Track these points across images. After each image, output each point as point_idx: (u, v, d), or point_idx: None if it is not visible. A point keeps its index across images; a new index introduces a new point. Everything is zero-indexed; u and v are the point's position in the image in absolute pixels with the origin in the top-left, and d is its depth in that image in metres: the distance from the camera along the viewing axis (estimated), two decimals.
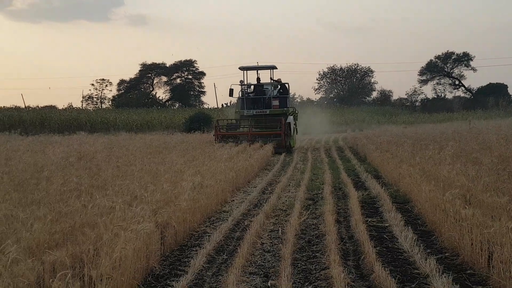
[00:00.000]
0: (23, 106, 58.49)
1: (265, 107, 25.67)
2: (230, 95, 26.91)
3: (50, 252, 5.19)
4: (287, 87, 26.60)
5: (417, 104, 78.28)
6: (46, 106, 63.93)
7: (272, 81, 26.47)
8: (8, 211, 7.07)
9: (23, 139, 31.07)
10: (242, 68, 26.84)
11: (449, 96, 78.06)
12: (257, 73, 27.48)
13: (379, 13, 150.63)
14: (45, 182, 10.43)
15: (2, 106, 57.72)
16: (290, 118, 25.41)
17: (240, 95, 26.76)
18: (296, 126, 27.62)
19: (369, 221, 8.89)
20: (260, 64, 27.18)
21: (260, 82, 26.95)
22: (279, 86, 26.53)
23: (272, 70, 26.85)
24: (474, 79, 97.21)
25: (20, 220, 6.50)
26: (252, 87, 26.99)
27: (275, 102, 25.53)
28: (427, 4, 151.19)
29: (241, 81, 26.48)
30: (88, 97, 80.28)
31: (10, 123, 43.94)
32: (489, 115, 49.76)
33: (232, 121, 27.56)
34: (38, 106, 60.81)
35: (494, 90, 71.27)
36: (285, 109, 25.70)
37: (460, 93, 78.38)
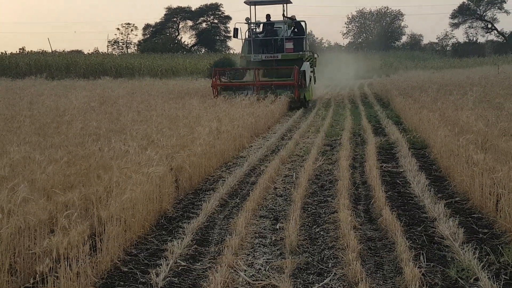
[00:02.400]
0: (50, 51, 58.94)
1: (276, 51, 21.16)
2: (234, 36, 22.39)
3: (61, 194, 5.33)
4: (304, 26, 21.92)
5: (447, 49, 76.78)
6: (72, 51, 64.34)
7: (284, 18, 21.75)
8: (26, 153, 7.24)
9: (49, 83, 31.51)
10: (249, 2, 21.52)
11: (481, 40, 76.34)
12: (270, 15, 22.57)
13: None
14: (65, 126, 10.65)
15: (29, 50, 58.28)
16: (306, 65, 20.71)
17: (247, 36, 22.19)
18: (314, 74, 23.38)
19: (384, 167, 8.93)
20: None
21: (271, 20, 22.28)
22: (293, 26, 21.93)
23: (285, 4, 21.96)
24: (507, 23, 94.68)
25: (36, 162, 6.68)
26: (261, 26, 22.42)
27: (289, 45, 21.04)
28: None
29: (248, 19, 21.55)
30: (114, 42, 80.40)
31: (37, 67, 44.38)
32: None
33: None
34: (64, 51, 61.29)
35: None
36: (301, 53, 21.18)
37: (492, 37, 76.51)
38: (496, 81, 19.48)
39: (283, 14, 21.78)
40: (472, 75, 26.44)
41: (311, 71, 22.33)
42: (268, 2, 22.80)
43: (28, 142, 8.47)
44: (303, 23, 21.97)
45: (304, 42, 21.68)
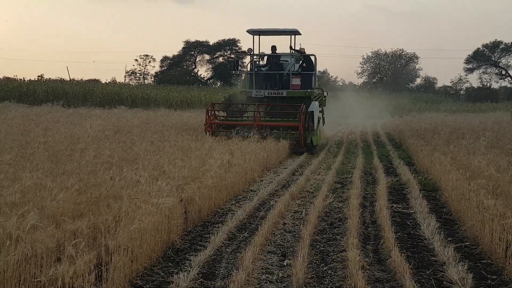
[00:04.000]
0: (68, 79, 59.58)
1: (281, 87, 18.37)
2: (234, 69, 21.20)
3: (69, 222, 5.31)
4: (314, 60, 18.91)
5: (461, 93, 76.61)
6: (90, 80, 64.91)
7: (292, 51, 18.95)
8: (38, 180, 7.27)
9: (65, 111, 31.79)
10: (252, 32, 19.13)
11: (495, 86, 76.14)
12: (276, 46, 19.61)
13: None
14: (79, 153, 10.69)
15: (48, 78, 58.95)
16: (314, 105, 18.06)
17: (248, 69, 19.49)
18: (323, 114, 20.58)
19: (395, 207, 8.85)
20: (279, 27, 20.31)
21: (276, 52, 19.25)
22: (302, 60, 19.14)
23: (293, 36, 19.09)
24: None
25: (47, 189, 6.69)
26: (265, 59, 19.64)
27: (296, 81, 18.26)
28: None
29: (250, 50, 18.94)
30: (132, 73, 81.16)
31: (54, 95, 44.72)
32: None
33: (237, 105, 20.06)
34: (82, 79, 61.90)
35: None
36: (309, 91, 18.36)
37: (506, 83, 76.35)
38: (508, 127, 19.41)
39: (291, 47, 19.08)
40: (484, 120, 26.37)
41: (320, 111, 19.74)
42: (273, 32, 20.18)
43: (41, 169, 8.50)
44: (312, 57, 19.09)
45: (313, 79, 18.86)
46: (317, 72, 19.67)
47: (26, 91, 46.32)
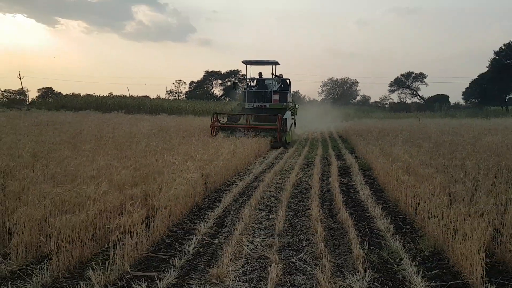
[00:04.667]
0: (128, 95, 59.18)
1: (265, 101, 18.15)
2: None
3: (128, 189, 5.28)
4: (288, 82, 18.82)
5: (386, 106, 76.61)
6: (142, 96, 64.53)
7: (273, 76, 18.84)
8: (108, 161, 7.22)
9: (126, 116, 31.57)
10: (246, 62, 18.92)
11: (409, 101, 76.25)
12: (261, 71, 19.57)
13: (366, 43, 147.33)
14: (135, 144, 10.62)
15: (115, 94, 58.66)
16: (288, 114, 17.70)
17: (243, 89, 19.50)
18: (295, 120, 20.10)
19: (342, 181, 8.82)
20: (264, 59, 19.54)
21: (262, 77, 19.07)
22: (280, 82, 19.03)
23: (274, 66, 18.99)
24: (426, 90, 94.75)
25: (114, 167, 6.65)
26: (255, 81, 19.34)
27: (275, 97, 18.16)
28: (402, 40, 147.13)
29: (243, 75, 18.57)
30: (170, 92, 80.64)
31: (119, 106, 44.39)
32: (434, 116, 48.29)
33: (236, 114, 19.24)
34: (137, 96, 61.49)
35: (439, 99, 69.49)
36: (285, 104, 18.10)
37: (416, 99, 76.39)
38: (417, 129, 19.32)
39: (272, 73, 18.83)
40: (402, 124, 26.30)
41: (292, 118, 19.26)
42: (260, 63, 19.27)
43: (110, 154, 8.45)
44: (288, 80, 18.82)
45: (288, 95, 18.42)
46: (291, 91, 19.14)
47: (101, 103, 46.03)
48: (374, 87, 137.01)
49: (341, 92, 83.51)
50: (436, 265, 4.15)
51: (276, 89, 18.54)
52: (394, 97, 79.58)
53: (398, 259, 4.27)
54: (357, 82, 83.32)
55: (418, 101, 75.84)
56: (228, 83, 77.20)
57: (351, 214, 5.92)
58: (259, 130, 16.08)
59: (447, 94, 73.40)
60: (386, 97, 79.49)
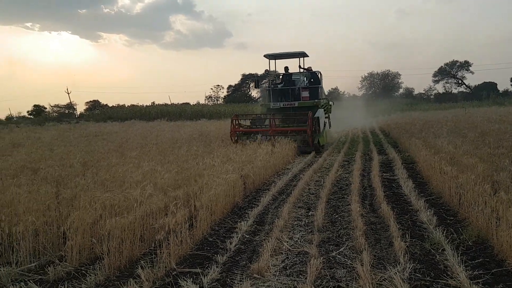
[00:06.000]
0: (169, 103, 60.82)
1: (294, 99, 15.67)
2: (255, 87, 17.35)
3: (171, 191, 5.51)
4: (319, 76, 16.10)
5: (431, 97, 74.06)
6: (183, 103, 66.02)
7: (301, 69, 16.27)
8: (152, 166, 7.54)
9: (168, 123, 32.48)
10: (268, 56, 16.17)
11: (454, 91, 73.39)
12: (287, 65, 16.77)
13: (407, 32, 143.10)
14: (177, 149, 10.96)
15: (157, 103, 60.53)
16: (320, 112, 15.20)
17: (267, 87, 16.87)
18: (329, 119, 17.52)
19: (384, 175, 8.70)
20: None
21: (289, 71, 16.41)
22: (310, 76, 16.34)
23: (302, 58, 16.20)
24: (472, 79, 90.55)
25: (158, 172, 6.93)
26: (280, 77, 16.77)
27: (305, 93, 15.65)
28: (443, 24, 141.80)
29: (267, 71, 16.05)
30: (209, 97, 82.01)
31: (161, 114, 45.71)
32: (482, 105, 46.20)
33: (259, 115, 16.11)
34: (178, 103, 62.99)
35: (487, 87, 66.28)
36: (316, 100, 15.57)
37: (462, 89, 73.36)
38: (463, 119, 18.60)
39: (300, 66, 16.25)
40: (447, 115, 25.40)
41: (326, 117, 16.67)
42: (285, 56, 16.46)
43: (154, 160, 8.78)
44: (318, 74, 16.09)
45: (319, 91, 15.91)
46: (323, 85, 16.44)
47: (144, 112, 47.57)
48: (418, 79, 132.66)
49: (382, 85, 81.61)
50: (479, 254, 4.06)
51: (305, 84, 16.12)
52: (439, 88, 76.66)
53: (440, 250, 4.21)
54: (399, 74, 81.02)
55: (464, 90, 72.87)
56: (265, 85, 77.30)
57: (393, 208, 5.86)
58: (287, 133, 13.74)
59: (495, 81, 69.91)
60: (430, 88, 76.84)
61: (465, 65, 72.26)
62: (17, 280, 3.64)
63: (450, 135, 11.39)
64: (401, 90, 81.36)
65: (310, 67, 16.15)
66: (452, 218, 5.35)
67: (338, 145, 15.81)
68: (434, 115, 27.97)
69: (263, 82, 17.02)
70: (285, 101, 15.61)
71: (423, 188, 7.27)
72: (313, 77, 15.97)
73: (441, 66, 73.37)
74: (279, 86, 16.13)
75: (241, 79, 79.19)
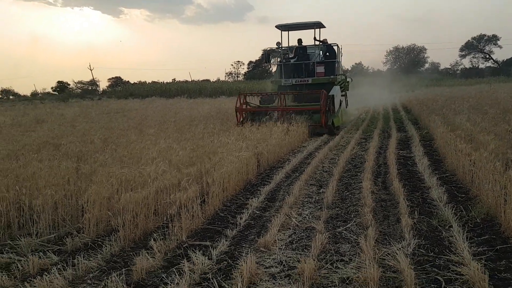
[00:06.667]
0: (190, 80, 61.10)
1: (307, 75, 14.24)
2: (265, 62, 14.93)
3: (184, 168, 5.68)
4: (336, 49, 14.43)
5: (458, 72, 71.96)
6: (203, 80, 66.22)
7: (315, 42, 14.51)
8: (169, 144, 7.75)
9: (187, 101, 32.75)
10: (281, 27, 14.48)
11: (481, 66, 71.12)
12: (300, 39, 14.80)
13: (433, 5, 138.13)
14: (194, 127, 11.16)
15: (178, 80, 60.90)
16: (335, 89, 13.62)
17: (278, 61, 15.19)
18: (346, 97, 16.16)
19: (400, 153, 8.68)
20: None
21: (302, 44, 14.72)
22: (326, 49, 14.56)
23: (318, 29, 14.50)
24: (501, 53, 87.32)
25: (174, 149, 7.13)
26: (293, 51, 15.01)
27: (320, 69, 14.13)
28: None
29: (278, 43, 14.44)
30: (229, 73, 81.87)
31: (181, 91, 46.03)
32: (509, 80, 44.62)
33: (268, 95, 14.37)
34: (198, 80, 63.25)
35: None
36: (332, 77, 14.00)
37: (489, 64, 71.02)
38: (487, 95, 18.14)
39: (314, 38, 14.49)
40: (471, 91, 24.75)
41: (342, 95, 15.33)
42: (300, 26, 14.83)
43: (171, 137, 9.00)
44: (335, 47, 14.49)
45: (336, 66, 14.36)
46: (340, 60, 14.91)
47: (165, 89, 47.94)
48: (444, 53, 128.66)
49: (407, 60, 79.59)
50: (486, 231, 4.10)
51: (320, 58, 14.54)
52: (466, 63, 74.35)
53: (447, 227, 4.26)
54: (425, 49, 78.75)
55: (492, 65, 70.41)
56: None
57: (404, 185, 5.91)
58: (298, 113, 12.49)
59: None
60: (457, 63, 74.65)
61: (493, 39, 69.71)
62: (37, 250, 3.90)
63: (471, 112, 11.18)
64: (426, 65, 79.29)
65: (326, 39, 14.60)
66: (463, 195, 5.35)
67: (357, 122, 15.69)
68: (458, 91, 27.29)
69: (276, 58, 14.82)
70: (298, 77, 14.33)
71: (438, 166, 7.25)
72: (329, 51, 14.45)
73: (468, 40, 71.07)
74: (292, 61, 14.69)
75: (262, 54, 78.47)
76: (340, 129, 13.25)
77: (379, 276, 3.21)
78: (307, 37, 15.56)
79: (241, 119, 12.56)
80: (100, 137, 9.31)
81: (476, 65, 71.09)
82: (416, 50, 79.89)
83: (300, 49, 14.64)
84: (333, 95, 13.02)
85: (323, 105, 11.92)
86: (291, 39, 17.60)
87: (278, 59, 14.81)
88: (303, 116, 12.24)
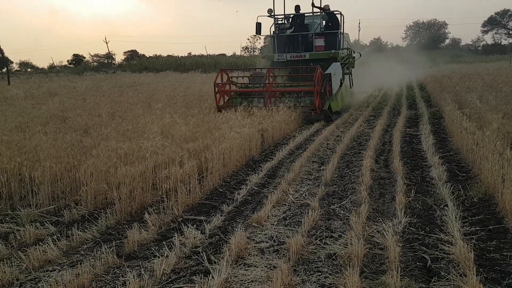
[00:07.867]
0: (205, 54, 60.82)
1: (304, 50, 11.99)
2: (257, 33, 12.20)
3: (185, 143, 5.74)
4: (339, 18, 11.94)
5: (479, 48, 69.84)
6: (219, 54, 65.75)
7: (314, 8, 12.14)
8: (173, 119, 7.81)
9: (201, 75, 32.67)
10: None
11: (504, 42, 68.83)
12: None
13: None
14: (202, 102, 11.19)
15: (193, 54, 60.72)
16: (335, 67, 11.00)
17: (271, 33, 12.53)
18: (350, 76, 13.25)
19: (407, 131, 8.60)
20: None
21: (300, 12, 12.27)
22: (327, 18, 12.21)
23: None
24: None
25: (177, 124, 7.19)
26: (289, 20, 12.54)
27: (319, 42, 11.88)
28: None
29: (270, 11, 12.06)
30: (246, 48, 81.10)
31: (196, 65, 45.95)
32: None
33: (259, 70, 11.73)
34: (214, 54, 62.89)
35: None
36: (333, 51, 11.69)
37: None
38: (505, 72, 17.61)
39: (312, 3, 12.09)
40: (489, 67, 24.02)
41: (347, 73, 12.85)
42: None
43: (177, 113, 9.05)
44: (338, 15, 11.99)
45: (338, 38, 11.96)
46: (343, 31, 12.29)
47: (179, 63, 47.99)
48: (465, 29, 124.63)
49: (427, 36, 77.43)
50: (482, 211, 4.08)
51: (321, 29, 12.31)
52: (488, 39, 72.11)
53: (442, 206, 4.26)
54: (446, 24, 76.64)
55: None
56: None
57: (405, 164, 5.89)
58: (290, 95, 10.54)
59: None
60: (478, 39, 72.45)
61: None
62: (36, 221, 4.05)
63: (484, 90, 10.92)
64: (447, 41, 77.18)
65: (328, 6, 12.19)
66: (464, 174, 5.31)
67: (369, 100, 15.50)
68: (476, 68, 26.51)
69: (270, 28, 12.59)
70: (294, 51, 12.07)
71: (443, 144, 7.19)
72: (331, 20, 12.06)
73: (491, 16, 68.76)
74: (288, 32, 12.38)
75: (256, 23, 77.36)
76: (341, 114, 11.30)
77: (364, 253, 3.25)
78: (307, 2, 12.66)
79: (222, 102, 10.38)
80: (108, 111, 9.44)
81: (499, 41, 68.90)
82: (437, 26, 77.67)
83: (297, 17, 12.32)
84: (330, 74, 10.46)
85: (316, 85, 9.86)
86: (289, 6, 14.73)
87: (273, 30, 12.52)
88: (292, 100, 10.31)
